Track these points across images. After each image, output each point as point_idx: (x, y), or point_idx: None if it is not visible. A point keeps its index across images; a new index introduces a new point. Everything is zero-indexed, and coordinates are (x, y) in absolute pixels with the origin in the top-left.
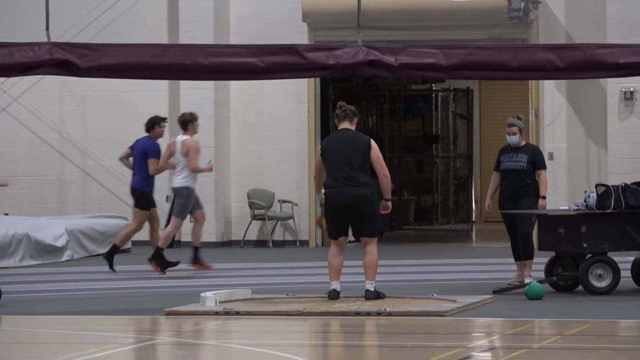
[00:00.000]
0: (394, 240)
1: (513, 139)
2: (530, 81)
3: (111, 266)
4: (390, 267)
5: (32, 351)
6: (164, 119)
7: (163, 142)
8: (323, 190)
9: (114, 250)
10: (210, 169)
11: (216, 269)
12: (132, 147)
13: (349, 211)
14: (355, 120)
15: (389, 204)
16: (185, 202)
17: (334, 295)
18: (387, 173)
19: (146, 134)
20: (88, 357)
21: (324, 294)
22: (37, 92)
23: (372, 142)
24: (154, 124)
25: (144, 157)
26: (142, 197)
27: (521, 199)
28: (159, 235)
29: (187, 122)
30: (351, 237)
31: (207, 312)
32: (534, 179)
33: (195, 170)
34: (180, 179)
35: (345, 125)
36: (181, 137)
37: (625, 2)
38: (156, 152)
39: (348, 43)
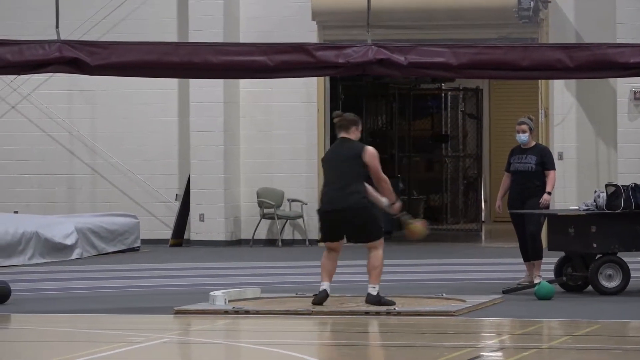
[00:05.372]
0: (403, 240)
1: (522, 137)
2: (540, 81)
3: None
4: (399, 266)
5: (41, 349)
6: None
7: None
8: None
9: None
10: None
11: (225, 267)
12: None
13: (341, 222)
14: (353, 128)
15: (397, 206)
16: None
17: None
18: (384, 178)
19: None
20: (97, 355)
21: (333, 294)
22: (47, 90)
23: (368, 149)
24: None
25: None
26: None
27: (529, 199)
28: None
29: None
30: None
31: (216, 311)
32: (543, 180)
33: None
34: None
35: (342, 134)
36: None
37: (635, 2)
38: None
39: (358, 42)
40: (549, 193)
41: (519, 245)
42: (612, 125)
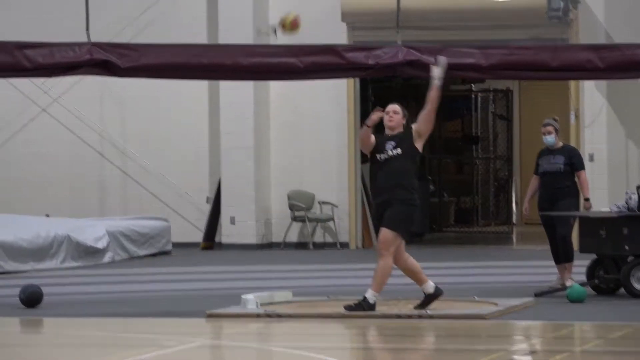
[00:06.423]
0: (434, 242)
1: (549, 139)
2: (570, 81)
3: None
4: (430, 269)
5: (73, 353)
6: None
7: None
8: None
9: None
10: None
11: (257, 270)
12: None
13: None
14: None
15: None
16: None
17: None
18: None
19: None
20: (129, 359)
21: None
22: (77, 93)
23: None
24: None
25: None
26: None
27: (559, 201)
28: None
29: None
30: None
31: (248, 315)
32: (573, 180)
33: None
34: None
35: None
36: None
37: None
38: None
39: (387, 43)
40: (588, 199)
41: (550, 248)
42: None
